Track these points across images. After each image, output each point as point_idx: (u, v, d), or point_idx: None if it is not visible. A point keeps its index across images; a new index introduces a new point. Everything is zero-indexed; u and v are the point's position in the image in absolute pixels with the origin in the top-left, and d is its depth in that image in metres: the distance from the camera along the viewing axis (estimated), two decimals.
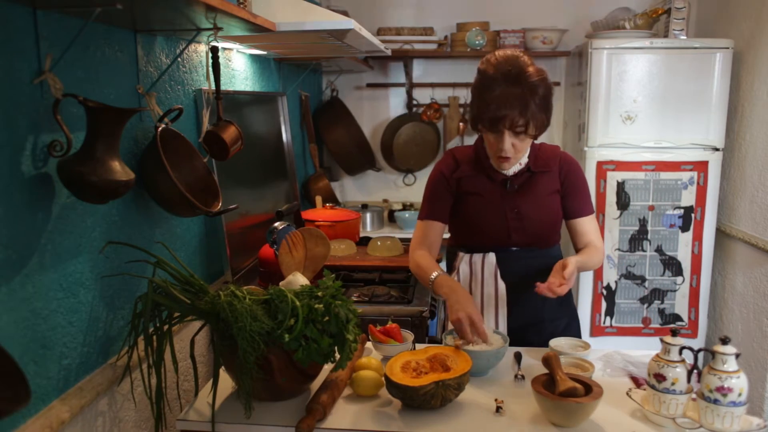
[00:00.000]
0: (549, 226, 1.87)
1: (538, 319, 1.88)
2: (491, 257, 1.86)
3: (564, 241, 2.03)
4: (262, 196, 2.56)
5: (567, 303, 1.94)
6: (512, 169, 1.84)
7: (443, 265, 2.88)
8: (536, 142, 1.88)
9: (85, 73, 1.36)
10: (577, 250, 1.89)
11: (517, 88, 1.66)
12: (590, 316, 3.11)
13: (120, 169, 1.28)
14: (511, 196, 1.85)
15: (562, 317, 1.93)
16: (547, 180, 1.86)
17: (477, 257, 1.87)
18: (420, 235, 1.93)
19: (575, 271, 1.67)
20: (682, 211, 3.01)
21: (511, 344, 1.73)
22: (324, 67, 3.62)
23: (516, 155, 1.77)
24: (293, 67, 3.15)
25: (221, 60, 1.97)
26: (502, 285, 1.83)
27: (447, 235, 2.04)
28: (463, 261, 1.89)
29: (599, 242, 1.90)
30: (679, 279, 3.05)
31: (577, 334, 1.97)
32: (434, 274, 1.77)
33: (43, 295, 1.23)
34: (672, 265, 3.05)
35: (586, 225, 1.90)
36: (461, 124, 3.72)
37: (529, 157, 1.84)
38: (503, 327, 1.83)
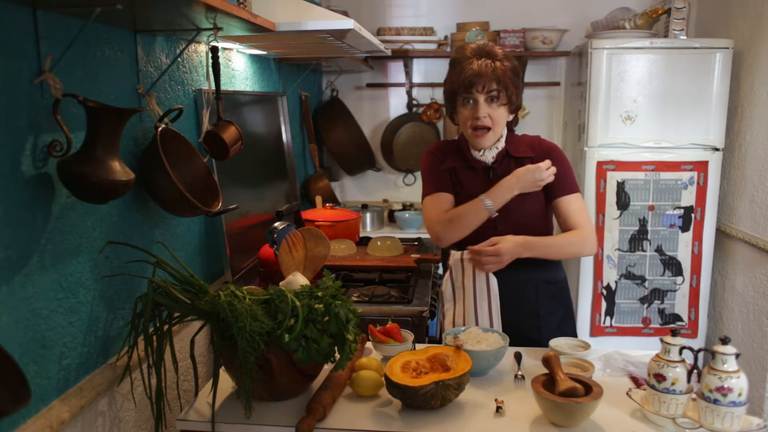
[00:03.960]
0: (534, 215, 1.89)
1: (532, 313, 1.90)
2: None
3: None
4: (262, 196, 2.56)
5: (561, 296, 1.96)
6: (491, 154, 1.87)
7: (439, 265, 2.87)
8: (517, 134, 1.93)
9: (85, 73, 1.36)
10: None
11: (488, 60, 1.81)
12: (590, 316, 3.11)
13: (120, 169, 1.28)
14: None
15: (556, 311, 1.94)
16: None
17: (467, 253, 1.88)
18: (435, 204, 1.92)
19: (505, 250, 1.75)
20: (682, 211, 3.01)
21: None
22: (324, 67, 3.62)
23: (493, 128, 1.82)
24: (293, 67, 3.15)
25: (221, 60, 1.97)
26: (493, 280, 1.83)
27: None
28: (455, 258, 1.90)
29: (585, 223, 1.87)
30: (679, 279, 3.05)
31: (572, 328, 1.98)
32: (482, 199, 1.81)
33: (43, 295, 1.23)
34: (672, 265, 3.05)
35: (568, 204, 1.88)
36: None
37: (506, 142, 1.89)
38: (497, 322, 1.83)
